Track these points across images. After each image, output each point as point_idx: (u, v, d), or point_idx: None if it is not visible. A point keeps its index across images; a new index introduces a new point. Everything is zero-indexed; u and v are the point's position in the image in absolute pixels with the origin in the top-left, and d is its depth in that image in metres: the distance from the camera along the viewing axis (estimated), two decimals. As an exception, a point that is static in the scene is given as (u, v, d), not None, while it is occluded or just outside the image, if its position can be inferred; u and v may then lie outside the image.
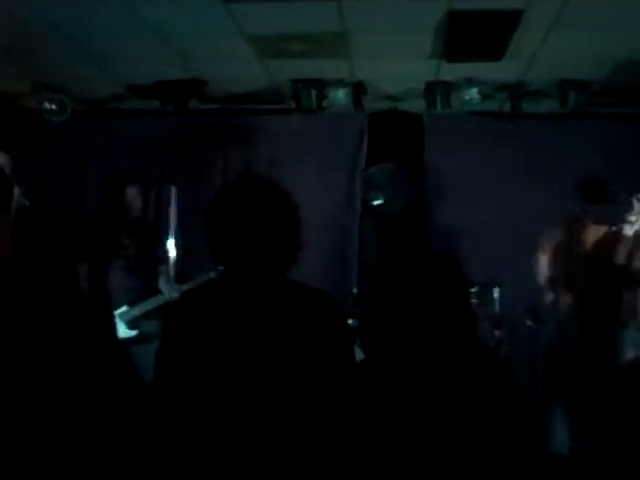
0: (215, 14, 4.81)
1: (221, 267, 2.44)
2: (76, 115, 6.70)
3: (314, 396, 2.27)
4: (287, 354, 2.27)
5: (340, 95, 6.40)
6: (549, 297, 5.71)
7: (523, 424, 2.64)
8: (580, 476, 4.88)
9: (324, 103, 6.46)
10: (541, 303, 5.83)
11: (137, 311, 5.51)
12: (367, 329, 5.26)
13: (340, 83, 6.36)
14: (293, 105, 6.63)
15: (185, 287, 5.34)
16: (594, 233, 5.49)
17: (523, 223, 6.67)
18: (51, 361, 2.09)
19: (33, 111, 6.68)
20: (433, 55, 5.61)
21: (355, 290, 6.38)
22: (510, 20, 4.84)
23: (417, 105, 6.75)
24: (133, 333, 5.44)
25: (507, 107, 6.64)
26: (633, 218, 5.20)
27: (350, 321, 5.04)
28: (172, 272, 5.86)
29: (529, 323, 5.86)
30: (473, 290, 5.41)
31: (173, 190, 6.01)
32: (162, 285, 5.75)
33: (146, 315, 5.50)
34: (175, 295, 5.34)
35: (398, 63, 5.85)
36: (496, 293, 5.99)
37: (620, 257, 5.23)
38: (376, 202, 6.80)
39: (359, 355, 2.61)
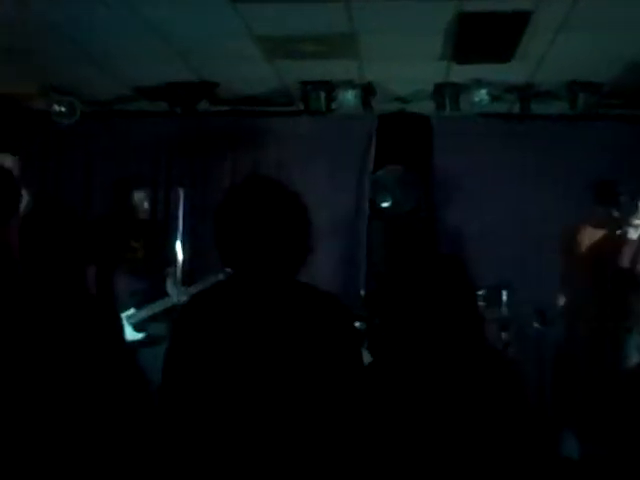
0: (224, 16, 4.81)
1: (229, 269, 2.43)
2: (85, 117, 6.72)
3: (322, 398, 2.26)
4: (295, 357, 2.27)
5: (349, 97, 6.40)
6: (561, 299, 5.69)
7: (530, 426, 2.63)
8: None
9: (333, 105, 6.45)
10: (550, 305, 5.81)
11: (144, 313, 5.51)
12: (375, 331, 5.25)
13: (349, 85, 6.35)
14: (302, 107, 6.63)
15: (193, 290, 5.34)
16: (590, 235, 5.47)
17: (532, 225, 6.66)
18: (58, 363, 2.09)
19: (42, 113, 6.70)
20: (442, 57, 5.60)
21: (363, 292, 6.37)
22: (519, 21, 4.83)
23: (426, 107, 6.74)
24: (140, 336, 5.44)
25: (516, 109, 6.62)
26: (638, 222, 5.19)
27: (358, 324, 5.03)
28: (180, 274, 5.84)
29: (537, 325, 5.84)
30: (481, 292, 5.39)
31: (181, 192, 6.00)
32: (170, 287, 5.75)
33: (154, 318, 5.51)
34: (183, 298, 5.34)
35: (407, 65, 5.84)
36: (504, 295, 5.97)
37: (625, 260, 5.21)
38: (385, 204, 6.79)
39: (367, 358, 2.60)
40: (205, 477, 2.27)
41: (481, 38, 5.06)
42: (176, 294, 5.58)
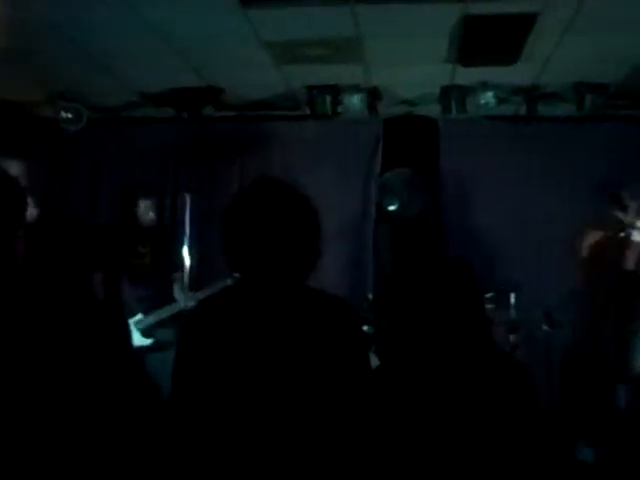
0: (231, 20, 4.81)
1: (237, 274, 2.42)
2: (92, 124, 6.73)
3: (330, 402, 2.25)
4: (303, 361, 2.26)
5: (355, 101, 6.40)
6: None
7: (540, 429, 2.62)
8: None
9: (339, 109, 6.46)
10: (558, 308, 5.80)
11: (152, 319, 5.52)
12: (382, 335, 5.24)
13: (355, 89, 6.35)
14: (308, 111, 6.63)
15: (200, 295, 5.35)
16: (595, 237, 5.46)
17: (539, 227, 6.65)
18: (66, 369, 2.09)
19: (49, 120, 6.72)
20: (448, 60, 5.60)
21: (370, 296, 6.36)
22: (525, 23, 4.82)
23: (432, 110, 6.74)
24: (148, 341, 5.45)
25: (523, 110, 6.62)
26: None
27: (365, 327, 5.02)
28: (187, 280, 5.86)
29: (545, 328, 5.83)
30: (489, 295, 5.38)
31: (188, 198, 6.02)
32: (177, 293, 5.76)
33: (161, 323, 5.52)
34: (190, 303, 5.35)
35: (413, 68, 5.84)
36: (512, 298, 5.96)
37: (629, 263, 5.19)
38: (392, 207, 6.78)
39: (374, 362, 2.60)
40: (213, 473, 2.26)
41: (487, 41, 5.06)
42: (183, 299, 5.59)
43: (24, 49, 5.32)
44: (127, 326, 2.47)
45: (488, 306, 5.39)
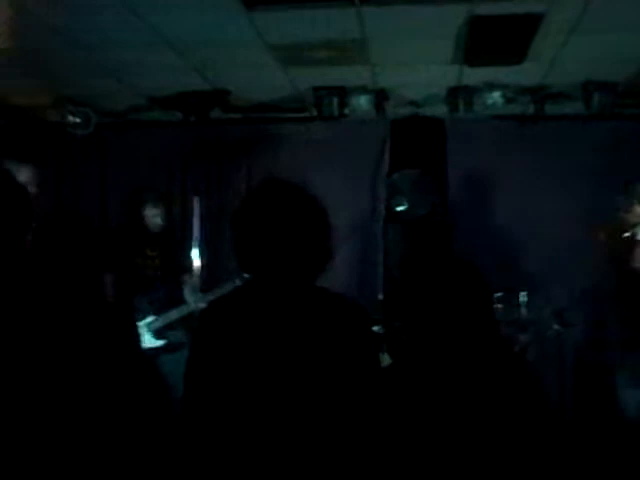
0: (236, 23, 4.82)
1: (247, 275, 2.41)
2: (100, 128, 6.76)
3: (340, 402, 2.26)
4: (313, 361, 2.27)
5: (362, 102, 6.41)
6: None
7: (548, 428, 2.62)
8: None
9: (346, 110, 6.46)
10: (569, 307, 5.80)
11: (163, 321, 5.54)
12: (393, 335, 5.25)
13: (362, 90, 6.36)
14: (315, 113, 6.64)
15: (210, 296, 5.37)
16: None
17: (548, 226, 6.64)
18: (76, 371, 2.11)
19: (57, 124, 6.75)
20: (455, 60, 5.60)
21: (380, 296, 6.37)
22: (531, 23, 4.82)
23: (439, 111, 6.74)
24: (160, 343, 5.47)
25: (530, 110, 6.61)
26: None
27: (376, 328, 5.03)
28: (197, 282, 5.88)
29: (556, 327, 5.82)
30: (499, 294, 5.38)
31: (196, 200, 6.04)
32: (187, 295, 5.78)
33: (172, 325, 5.53)
34: (200, 304, 5.37)
35: (420, 69, 5.84)
36: (523, 297, 5.95)
37: (636, 261, 5.18)
38: (400, 208, 6.79)
39: (386, 361, 2.61)
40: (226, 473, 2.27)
41: (493, 41, 5.05)
42: (194, 301, 5.61)
43: (32, 54, 5.35)
44: (136, 328, 2.49)
45: (498, 305, 5.40)
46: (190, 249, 5.94)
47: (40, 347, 2.02)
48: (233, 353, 2.31)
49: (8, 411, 1.95)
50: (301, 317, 2.30)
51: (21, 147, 6.28)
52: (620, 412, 5.11)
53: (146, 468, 2.20)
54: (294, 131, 7.14)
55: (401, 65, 5.77)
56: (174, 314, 5.56)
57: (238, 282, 4.47)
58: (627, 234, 5.23)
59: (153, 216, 5.78)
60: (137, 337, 2.34)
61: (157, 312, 5.53)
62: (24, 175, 4.38)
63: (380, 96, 6.43)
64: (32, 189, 4.47)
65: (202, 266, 5.95)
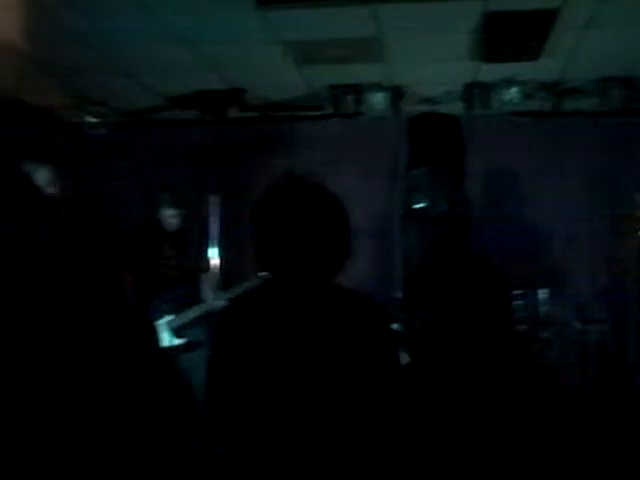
0: (251, 23, 4.84)
1: (265, 273, 2.40)
2: (117, 127, 6.79)
3: (360, 399, 2.26)
4: (333, 359, 2.27)
5: (378, 99, 6.40)
6: None
7: (561, 425, 2.62)
8: None
9: (362, 108, 6.46)
10: (589, 303, 5.78)
11: (182, 320, 5.56)
12: (412, 333, 5.24)
13: (377, 87, 6.36)
14: (331, 111, 6.65)
15: (228, 295, 5.38)
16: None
17: (567, 222, 6.62)
18: (95, 369, 2.13)
19: (75, 124, 6.78)
20: (471, 56, 5.59)
21: (399, 294, 6.36)
22: (546, 19, 4.81)
23: (456, 107, 6.73)
24: (179, 341, 5.49)
25: (547, 106, 6.59)
26: None
27: (395, 325, 5.02)
28: (215, 280, 5.89)
29: (577, 324, 5.80)
30: (518, 292, 5.37)
31: (214, 199, 6.05)
32: (205, 294, 5.80)
33: (191, 323, 5.55)
34: (219, 303, 5.38)
35: (435, 66, 5.84)
36: (542, 294, 5.93)
37: None
38: (418, 205, 6.77)
39: (405, 359, 2.61)
40: (249, 472, 2.28)
41: (509, 36, 5.04)
42: (212, 299, 5.63)
43: (51, 56, 5.38)
44: (154, 326, 2.50)
45: (518, 302, 5.38)
46: (208, 248, 5.95)
47: (60, 345, 2.04)
48: (253, 351, 2.31)
49: (29, 405, 1.97)
50: (320, 315, 2.30)
51: (40, 148, 6.31)
52: None
53: (166, 461, 2.22)
54: (310, 129, 7.15)
55: (417, 62, 5.77)
56: (192, 313, 5.58)
57: (256, 281, 4.48)
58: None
59: (170, 217, 5.81)
60: (156, 336, 2.35)
61: (176, 311, 5.55)
62: (43, 176, 4.41)
63: (396, 93, 6.43)
64: (51, 190, 4.50)
65: (220, 265, 5.96)
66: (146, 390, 2.02)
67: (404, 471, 2.33)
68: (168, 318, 5.51)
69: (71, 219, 4.83)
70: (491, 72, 5.96)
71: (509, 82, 6.16)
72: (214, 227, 6.04)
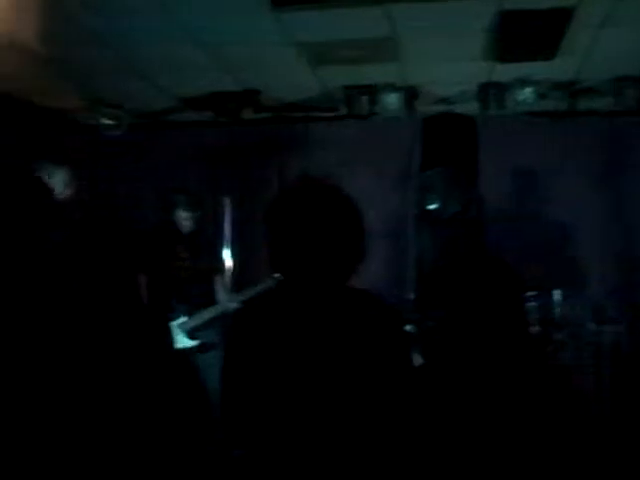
0: (266, 24, 4.84)
1: (278, 275, 2.40)
2: (132, 129, 6.82)
3: (373, 401, 2.26)
4: (346, 360, 2.27)
5: (392, 100, 6.40)
6: None
7: (573, 428, 2.61)
8: None
9: (376, 108, 6.46)
10: (604, 305, 5.75)
11: (196, 321, 5.56)
12: (426, 334, 5.23)
13: (392, 88, 6.35)
14: (345, 112, 6.65)
15: (242, 297, 5.39)
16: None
17: (583, 223, 6.59)
18: (111, 370, 2.13)
19: (90, 126, 6.81)
20: (485, 56, 5.57)
21: (412, 295, 6.35)
22: (561, 18, 4.79)
23: (471, 107, 6.71)
24: (193, 343, 5.49)
25: (562, 106, 6.56)
26: None
27: (408, 327, 5.01)
28: (229, 282, 5.90)
29: (592, 325, 5.77)
30: (532, 293, 5.34)
31: (228, 200, 6.07)
32: (219, 295, 5.80)
33: (205, 325, 5.56)
34: (232, 305, 5.39)
35: (450, 66, 5.82)
36: (557, 295, 5.90)
37: None
38: (432, 206, 6.76)
39: (418, 361, 2.60)
40: (264, 474, 2.28)
41: (523, 36, 5.03)
42: (226, 301, 5.63)
43: (66, 58, 5.41)
44: (168, 328, 2.51)
45: (532, 304, 5.36)
46: (222, 250, 5.96)
47: (74, 348, 2.05)
48: (267, 352, 2.31)
49: (43, 408, 1.97)
50: (334, 317, 2.30)
51: (55, 150, 6.34)
52: None
53: (180, 463, 2.22)
54: (324, 130, 7.15)
55: (431, 62, 5.75)
56: (206, 314, 5.58)
57: (269, 283, 4.47)
58: None
59: (185, 219, 5.82)
60: (170, 337, 2.36)
61: (190, 313, 5.56)
62: (60, 178, 4.42)
63: (410, 94, 6.42)
64: (68, 191, 4.51)
65: (234, 267, 5.97)
66: (160, 391, 2.02)
67: (418, 473, 2.33)
68: (182, 319, 5.52)
69: (86, 221, 4.84)
70: (506, 72, 5.94)
71: (523, 82, 6.13)
72: (228, 229, 6.06)
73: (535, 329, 5.29)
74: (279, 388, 2.29)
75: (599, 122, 6.78)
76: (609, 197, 6.56)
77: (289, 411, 2.27)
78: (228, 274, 5.89)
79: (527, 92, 6.18)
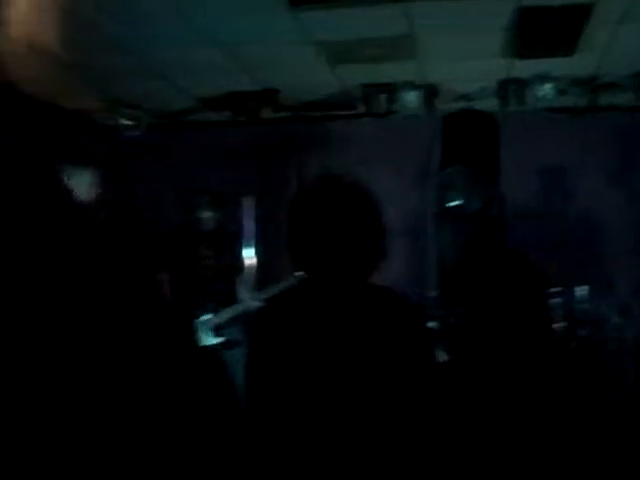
0: (283, 23, 4.85)
1: (301, 273, 2.40)
2: (151, 129, 6.85)
3: (397, 398, 2.26)
4: (370, 358, 2.27)
5: (411, 98, 6.39)
6: None
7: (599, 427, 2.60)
8: None
9: (395, 106, 6.45)
10: (628, 300, 5.73)
11: (219, 319, 5.59)
12: (448, 331, 5.23)
13: (411, 86, 6.35)
14: (364, 110, 6.65)
15: (264, 295, 5.41)
16: None
17: (604, 219, 6.55)
18: (139, 366, 2.15)
19: (110, 127, 6.85)
20: (505, 53, 5.56)
21: (434, 293, 6.34)
22: (580, 14, 4.77)
23: (490, 104, 6.68)
24: (216, 341, 5.52)
25: (582, 102, 6.53)
26: None
27: (431, 323, 5.01)
28: (251, 280, 5.92)
29: (616, 320, 5.74)
30: (556, 289, 5.32)
31: (248, 200, 6.09)
32: (242, 293, 5.83)
33: (228, 323, 5.58)
34: (255, 303, 5.41)
35: (469, 63, 5.81)
36: (581, 291, 5.87)
37: None
38: (452, 203, 6.74)
39: (441, 357, 2.60)
40: (289, 467, 2.29)
41: (543, 32, 5.02)
42: (248, 299, 5.66)
43: (87, 62, 5.44)
44: (192, 325, 2.52)
45: (556, 300, 5.34)
46: (244, 248, 5.98)
47: (102, 345, 2.06)
48: (290, 350, 2.32)
49: (71, 405, 1.99)
50: (356, 315, 2.30)
51: (76, 151, 6.38)
52: None
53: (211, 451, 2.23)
54: (343, 129, 7.15)
55: (450, 59, 5.75)
56: (229, 312, 5.61)
57: (292, 280, 4.49)
58: None
59: (207, 218, 5.85)
60: (194, 334, 2.37)
61: (213, 311, 5.59)
62: (85, 179, 4.45)
63: (429, 91, 6.41)
64: (93, 192, 4.54)
65: (256, 265, 5.99)
66: (187, 387, 2.04)
67: (442, 467, 2.33)
68: (206, 317, 5.54)
69: (111, 221, 4.88)
70: (526, 68, 5.92)
71: (543, 78, 6.11)
72: (249, 227, 6.08)
73: (559, 325, 5.26)
74: (302, 385, 2.30)
75: (619, 117, 6.74)
76: (631, 193, 6.52)
77: (312, 408, 2.28)
78: (250, 272, 5.90)
79: (547, 88, 6.15)
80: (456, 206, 6.71)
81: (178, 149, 7.26)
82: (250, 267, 6.03)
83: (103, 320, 2.07)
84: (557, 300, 5.35)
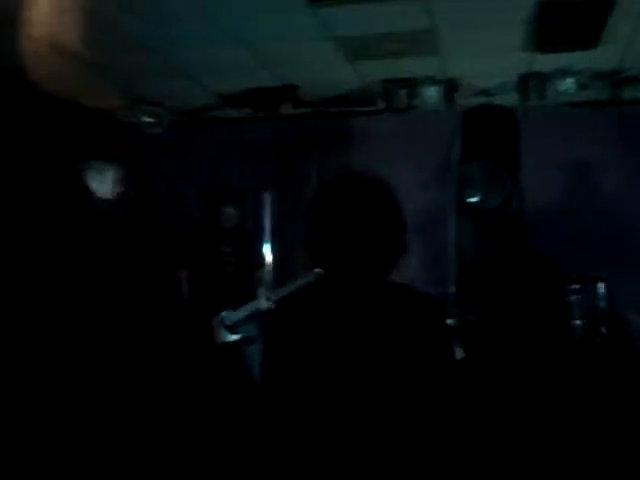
0: (303, 19, 4.85)
1: (319, 270, 2.40)
2: (173, 126, 6.88)
3: (416, 395, 2.26)
4: (389, 354, 2.27)
5: (431, 93, 6.38)
6: None
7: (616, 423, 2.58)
8: None
9: (415, 102, 6.44)
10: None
11: (237, 316, 5.60)
12: (467, 328, 5.21)
13: (431, 81, 6.33)
14: (384, 105, 6.63)
15: (282, 292, 5.41)
16: None
17: (626, 216, 6.50)
18: (156, 363, 2.15)
19: (132, 124, 6.88)
20: (525, 47, 5.52)
21: (453, 289, 6.31)
22: (603, 6, 4.73)
23: (511, 99, 6.65)
24: (234, 337, 5.53)
25: (603, 95, 6.47)
26: None
27: (450, 321, 4.99)
28: (270, 277, 5.93)
29: (635, 318, 5.69)
30: (576, 286, 5.28)
31: (268, 196, 6.09)
32: (260, 290, 5.83)
33: (245, 320, 5.59)
34: (273, 300, 5.42)
35: (489, 57, 5.78)
36: (601, 289, 5.82)
37: None
38: (472, 199, 6.71)
39: (459, 354, 2.59)
40: (303, 465, 2.30)
41: (563, 26, 4.97)
42: (267, 296, 5.66)
43: (110, 59, 5.46)
44: (210, 321, 2.52)
45: (577, 297, 5.30)
46: (263, 245, 5.99)
47: (118, 342, 2.07)
48: (308, 347, 2.32)
49: (91, 398, 2.00)
50: (375, 311, 2.30)
51: (98, 149, 6.42)
52: None
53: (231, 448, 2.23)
54: (363, 124, 7.15)
55: (470, 54, 5.72)
56: (247, 309, 5.62)
57: (310, 278, 4.49)
58: None
59: (229, 215, 5.87)
60: (211, 331, 2.37)
61: (231, 307, 5.60)
62: (110, 175, 4.48)
63: (449, 86, 6.39)
64: (117, 188, 4.56)
65: (274, 262, 5.99)
66: (206, 382, 2.04)
67: (460, 465, 2.32)
68: (223, 314, 5.56)
69: (131, 219, 4.90)
70: (547, 62, 5.88)
71: (564, 72, 6.07)
72: (269, 224, 6.07)
73: (579, 322, 5.23)
74: (319, 383, 2.29)
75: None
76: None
77: (329, 406, 2.28)
78: (269, 269, 5.90)
79: (568, 82, 6.11)
80: (476, 201, 6.69)
81: (199, 146, 7.28)
82: (269, 263, 6.02)
83: (122, 316, 2.08)
84: (577, 297, 5.31)
